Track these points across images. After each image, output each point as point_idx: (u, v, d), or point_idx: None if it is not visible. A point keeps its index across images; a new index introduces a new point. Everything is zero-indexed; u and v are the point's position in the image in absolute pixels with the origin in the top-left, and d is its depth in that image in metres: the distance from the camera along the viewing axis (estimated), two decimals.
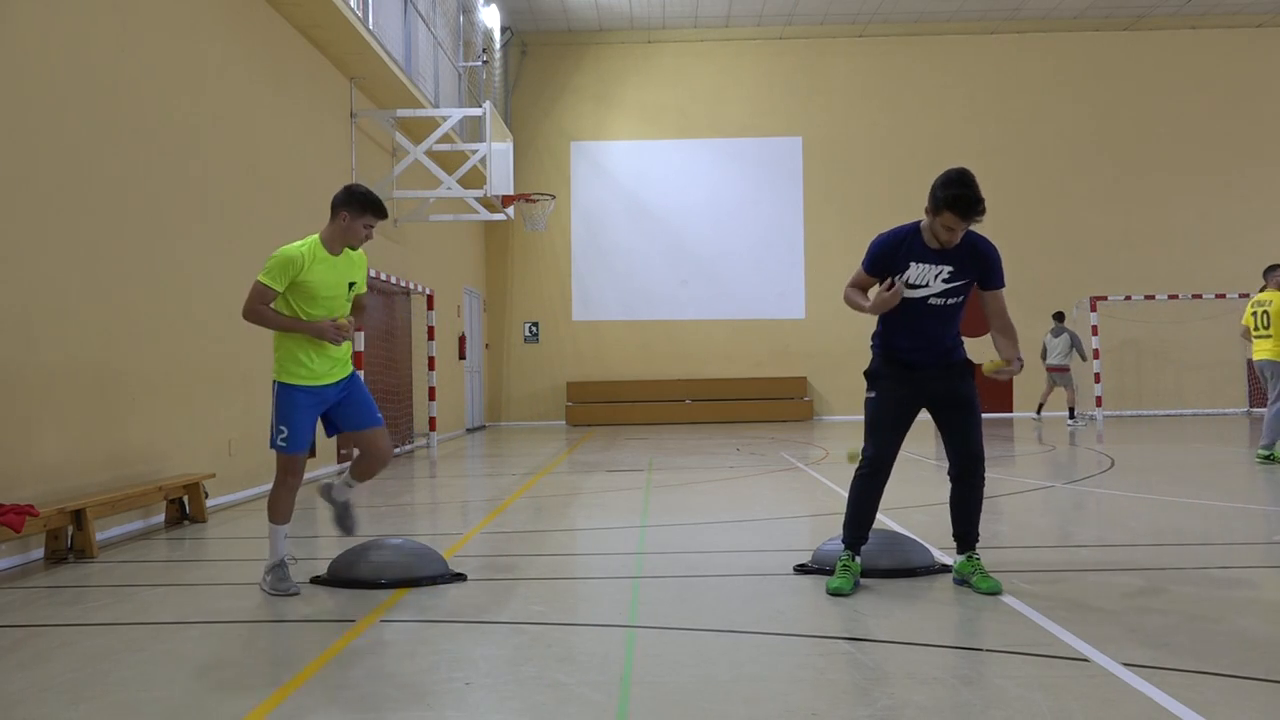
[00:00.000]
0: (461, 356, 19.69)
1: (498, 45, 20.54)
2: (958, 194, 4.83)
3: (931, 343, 5.10)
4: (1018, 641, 4.07)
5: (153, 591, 5.64)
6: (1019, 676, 3.64)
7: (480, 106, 15.89)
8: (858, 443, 5.39)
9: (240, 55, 10.00)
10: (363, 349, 12.82)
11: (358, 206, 5.20)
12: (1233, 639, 4.10)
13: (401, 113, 14.29)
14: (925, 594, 5.04)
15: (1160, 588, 5.12)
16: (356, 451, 5.60)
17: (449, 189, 14.94)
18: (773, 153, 22.79)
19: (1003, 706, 3.33)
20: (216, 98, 9.41)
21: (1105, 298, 20.90)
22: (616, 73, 22.87)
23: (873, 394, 5.24)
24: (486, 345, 22.50)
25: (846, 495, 5.32)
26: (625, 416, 21.71)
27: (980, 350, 5.93)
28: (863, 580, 5.23)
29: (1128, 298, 21.19)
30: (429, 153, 14.95)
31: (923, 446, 14.82)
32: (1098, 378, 20.22)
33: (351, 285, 5.37)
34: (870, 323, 5.35)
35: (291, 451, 5.23)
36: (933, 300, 5.01)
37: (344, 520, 5.70)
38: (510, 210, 17.14)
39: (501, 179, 15.28)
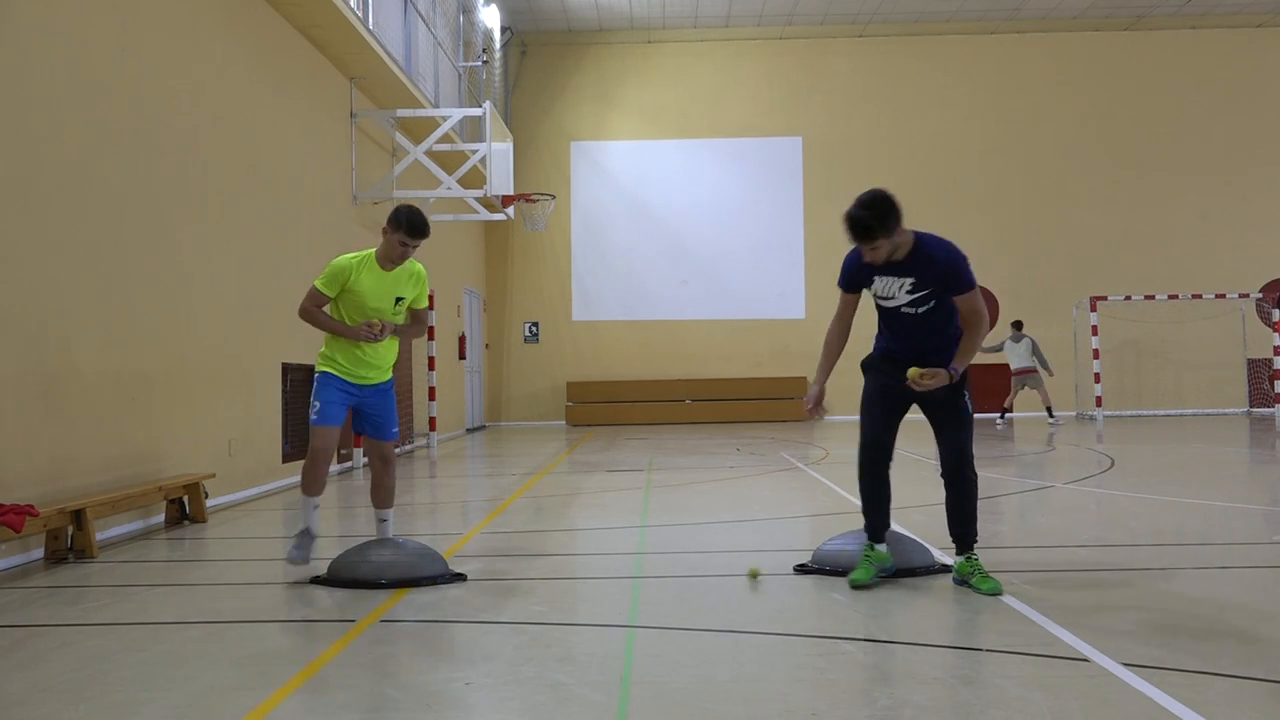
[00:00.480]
0: (461, 356, 19.69)
1: (498, 45, 20.54)
2: (847, 216, 4.86)
3: (916, 347, 5.13)
4: (1018, 641, 4.07)
5: (153, 591, 5.64)
6: (1019, 676, 3.64)
7: (480, 106, 15.89)
8: (760, 562, 5.56)
9: (240, 55, 10.00)
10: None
11: (393, 224, 5.59)
12: (1233, 639, 4.10)
13: (401, 113, 14.29)
14: (925, 594, 5.04)
15: (1160, 588, 5.12)
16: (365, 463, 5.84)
17: (449, 189, 14.94)
18: (773, 153, 22.79)
19: (1003, 706, 3.33)
20: (216, 98, 9.41)
21: (1105, 298, 20.90)
22: (616, 73, 22.88)
23: (865, 383, 5.37)
24: (486, 345, 22.50)
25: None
26: (625, 416, 21.71)
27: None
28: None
29: (1128, 298, 21.19)
30: (429, 153, 14.94)
31: (923, 447, 14.82)
32: (1098, 378, 20.21)
33: (399, 300, 5.70)
34: (871, 325, 5.39)
35: (318, 424, 5.62)
36: (904, 310, 5.07)
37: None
38: (510, 210, 17.14)
39: (501, 179, 15.28)
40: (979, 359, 21.26)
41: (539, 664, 3.94)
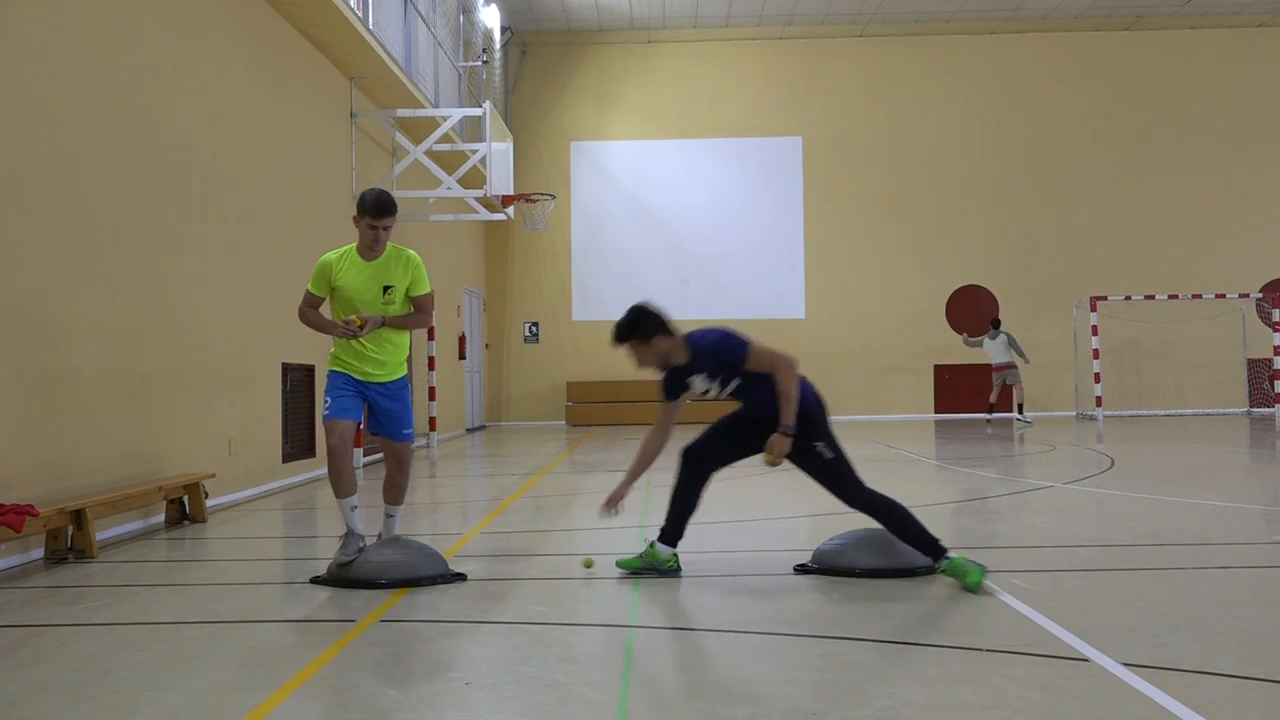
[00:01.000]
0: (461, 356, 19.69)
1: (498, 45, 20.54)
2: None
3: (761, 415, 5.30)
4: (1018, 641, 4.07)
5: (153, 591, 5.64)
6: (1019, 676, 3.64)
7: (480, 106, 15.88)
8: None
9: (240, 55, 10.00)
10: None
11: (359, 209, 5.50)
12: (1233, 639, 4.11)
13: (401, 113, 14.29)
14: (925, 594, 5.04)
15: (1160, 588, 5.12)
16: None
17: (449, 189, 14.94)
18: (773, 153, 22.79)
19: (1003, 706, 3.33)
20: (216, 98, 9.41)
21: (1105, 298, 20.89)
22: (616, 73, 22.87)
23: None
24: (486, 345, 22.50)
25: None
26: (625, 416, 21.69)
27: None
28: (863, 580, 5.24)
29: (1128, 298, 21.19)
30: (429, 153, 14.94)
31: (923, 446, 14.82)
32: (1098, 378, 20.21)
33: (388, 289, 5.55)
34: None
35: (328, 417, 5.56)
36: (725, 397, 5.41)
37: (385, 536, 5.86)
38: (510, 210, 17.14)
39: (501, 179, 15.27)
40: (967, 358, 21.37)
41: (539, 664, 3.94)
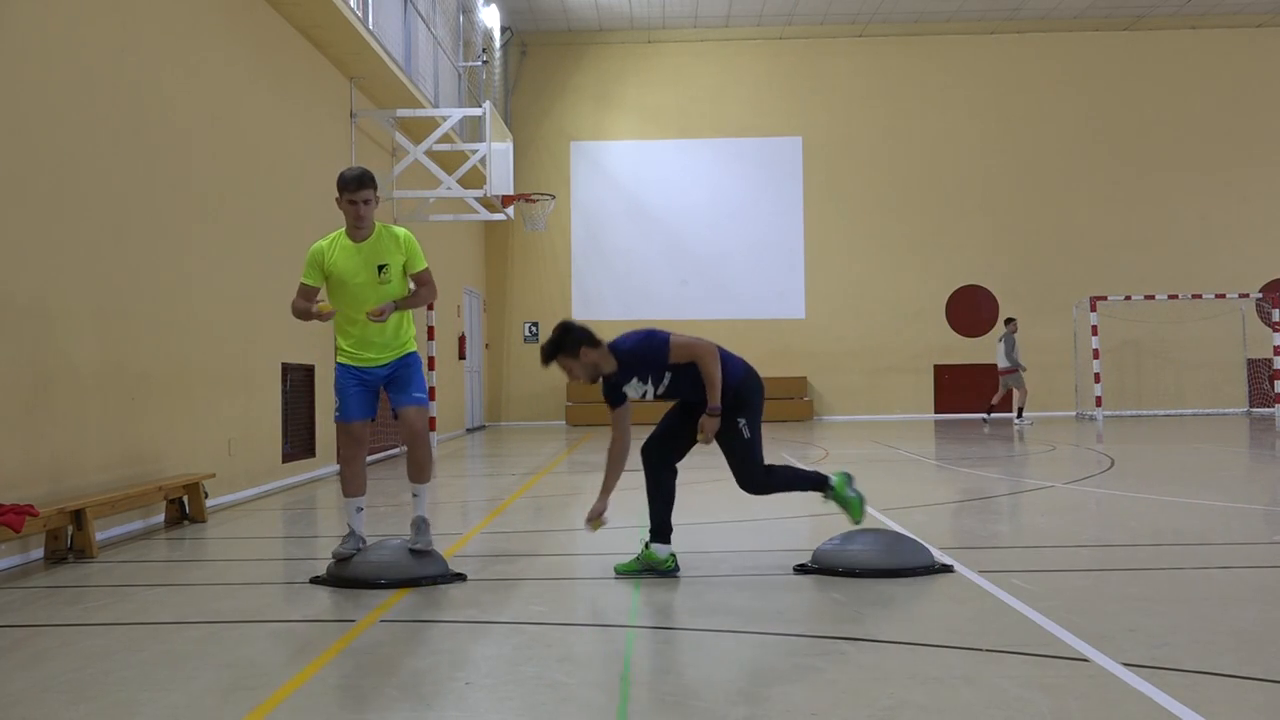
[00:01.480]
0: (461, 356, 19.68)
1: (498, 45, 20.54)
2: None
3: (694, 404, 5.52)
4: (1018, 641, 4.07)
5: (152, 591, 5.64)
6: (1019, 676, 3.64)
7: (480, 106, 15.88)
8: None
9: (240, 55, 10.00)
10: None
11: (338, 188, 5.46)
12: (1233, 639, 4.10)
13: (401, 113, 14.29)
14: (925, 594, 5.04)
15: (1160, 588, 5.12)
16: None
17: (449, 189, 14.94)
18: (773, 153, 22.78)
19: (1003, 706, 3.33)
20: (216, 98, 9.41)
21: (1105, 298, 20.89)
22: (616, 73, 22.87)
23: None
24: (486, 345, 22.51)
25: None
26: None
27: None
28: (863, 580, 5.24)
29: (1128, 298, 21.19)
30: (429, 153, 14.93)
31: (923, 446, 14.81)
32: (1098, 378, 20.21)
33: (383, 268, 5.47)
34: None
35: (338, 419, 5.58)
36: (660, 396, 5.58)
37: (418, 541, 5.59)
38: (510, 210, 17.13)
39: (501, 179, 15.27)
40: (967, 358, 21.40)
41: (539, 664, 3.94)
